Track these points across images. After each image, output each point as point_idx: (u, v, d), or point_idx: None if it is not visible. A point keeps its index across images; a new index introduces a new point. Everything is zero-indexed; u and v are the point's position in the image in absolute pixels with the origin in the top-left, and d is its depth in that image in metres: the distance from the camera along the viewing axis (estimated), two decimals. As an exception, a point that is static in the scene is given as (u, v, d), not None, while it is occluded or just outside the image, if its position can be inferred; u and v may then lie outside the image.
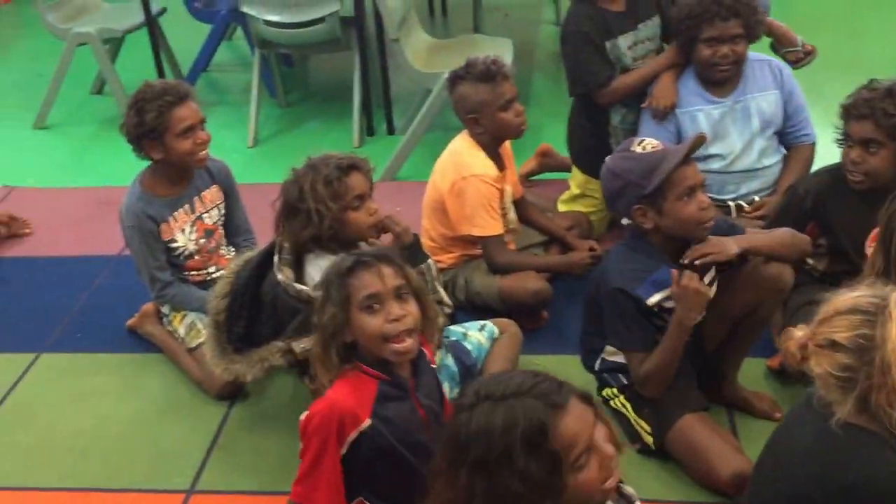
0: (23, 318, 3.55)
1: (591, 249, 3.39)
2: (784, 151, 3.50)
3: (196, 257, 3.25)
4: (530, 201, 3.57)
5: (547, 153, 4.18)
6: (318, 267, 2.63)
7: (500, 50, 4.42)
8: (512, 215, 3.37)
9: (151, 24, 4.94)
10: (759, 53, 3.49)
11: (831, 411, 1.83)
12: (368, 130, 4.88)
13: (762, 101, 3.41)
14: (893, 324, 1.76)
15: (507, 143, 3.37)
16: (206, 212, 3.27)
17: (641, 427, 2.69)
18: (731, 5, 3.25)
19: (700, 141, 2.59)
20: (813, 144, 3.47)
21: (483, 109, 3.18)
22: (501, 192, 3.26)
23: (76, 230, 4.14)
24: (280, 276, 2.64)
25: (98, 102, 5.47)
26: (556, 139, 3.90)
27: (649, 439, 2.67)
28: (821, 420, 1.85)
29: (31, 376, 3.24)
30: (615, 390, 2.74)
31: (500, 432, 1.56)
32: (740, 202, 3.42)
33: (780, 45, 3.61)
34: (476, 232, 3.22)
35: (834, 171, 2.95)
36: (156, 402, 3.09)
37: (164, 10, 5.23)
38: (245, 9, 4.64)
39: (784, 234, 2.69)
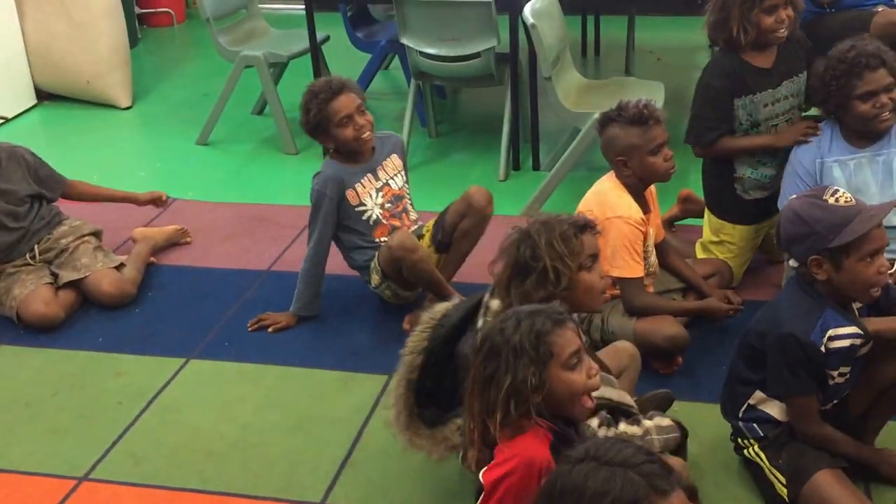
0: (176, 324, 3.74)
1: (728, 300, 3.36)
2: None
3: (383, 223, 3.55)
4: (672, 246, 3.56)
5: (689, 199, 4.15)
6: None
7: (652, 93, 4.42)
8: (653, 259, 3.36)
9: (315, 50, 5.14)
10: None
11: None
12: (514, 165, 4.94)
13: None
14: None
15: (653, 187, 3.38)
16: (391, 178, 3.62)
17: (776, 477, 2.65)
18: (875, 54, 3.18)
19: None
20: None
21: (632, 152, 3.19)
22: (645, 234, 3.26)
23: (230, 244, 4.34)
24: None
25: (258, 122, 5.72)
26: (701, 185, 3.87)
27: (783, 491, 2.63)
28: None
29: (180, 380, 3.41)
30: (751, 440, 2.72)
31: (590, 494, 1.54)
32: None
33: None
34: (616, 273, 3.21)
35: None
36: (294, 414, 3.19)
37: (327, 38, 5.44)
38: (405, 41, 4.79)
39: None
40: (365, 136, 3.51)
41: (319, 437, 3.08)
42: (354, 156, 3.56)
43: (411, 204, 3.73)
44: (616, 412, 2.64)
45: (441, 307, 2.72)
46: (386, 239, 3.53)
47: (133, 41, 6.74)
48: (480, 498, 2.02)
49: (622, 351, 2.95)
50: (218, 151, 5.40)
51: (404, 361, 2.63)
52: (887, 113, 3.22)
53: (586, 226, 2.54)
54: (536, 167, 4.94)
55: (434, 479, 2.85)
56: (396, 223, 3.60)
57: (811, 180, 3.34)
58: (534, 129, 4.90)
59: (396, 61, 5.94)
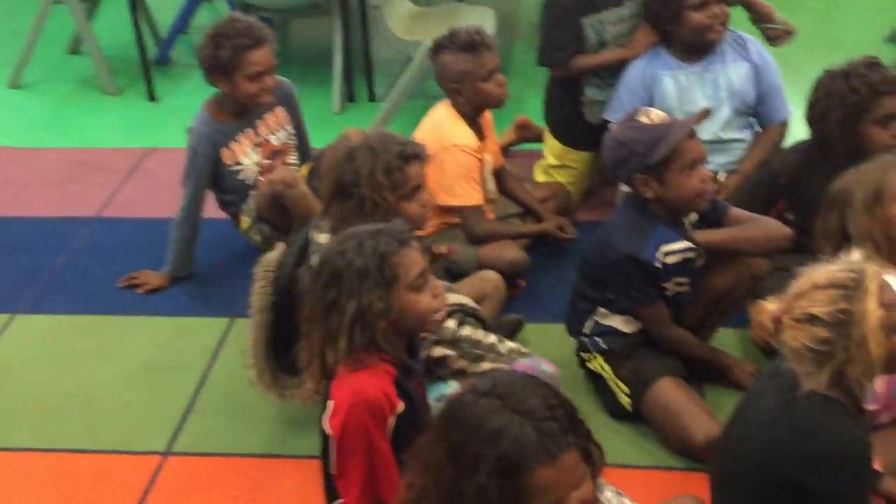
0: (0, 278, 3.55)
1: (562, 229, 3.44)
2: (757, 129, 3.50)
3: (261, 180, 3.31)
4: (509, 171, 3.59)
5: (525, 125, 4.19)
6: None
7: (482, 19, 4.41)
8: (491, 185, 3.38)
9: (131, -17, 4.89)
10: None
11: (797, 382, 1.89)
12: (349, 97, 4.87)
13: (732, 72, 3.40)
14: (871, 298, 1.81)
15: (488, 113, 3.38)
16: (273, 133, 3.38)
17: (620, 388, 2.76)
18: None
19: (705, 114, 2.65)
20: (784, 123, 3.46)
21: (465, 79, 3.19)
22: (481, 161, 3.27)
23: (53, 191, 4.12)
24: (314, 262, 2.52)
25: (75, 62, 5.41)
26: (536, 109, 3.92)
27: (626, 401, 2.74)
28: (787, 391, 1.91)
29: (8, 337, 3.24)
30: (595, 353, 2.81)
31: (484, 435, 1.52)
32: None
33: (760, 20, 3.62)
34: (455, 202, 3.23)
35: (809, 149, 3.00)
36: (133, 364, 3.10)
37: (143, -30, 5.18)
38: (226, -29, 4.61)
39: (751, 229, 2.71)
40: (264, 100, 3.28)
41: (161, 385, 3.01)
42: (237, 109, 3.31)
43: (296, 157, 3.48)
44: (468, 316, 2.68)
45: (271, 257, 2.68)
46: None
47: (-70, -22, 6.25)
48: (333, 448, 1.96)
49: (487, 280, 2.99)
50: (33, 94, 5.10)
51: (254, 322, 2.61)
52: (719, 25, 3.32)
53: (415, 156, 2.51)
54: (372, 98, 4.89)
55: (280, 422, 2.84)
56: None
57: (644, 93, 3.41)
58: (367, 59, 4.83)
59: (220, -7, 5.73)
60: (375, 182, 2.44)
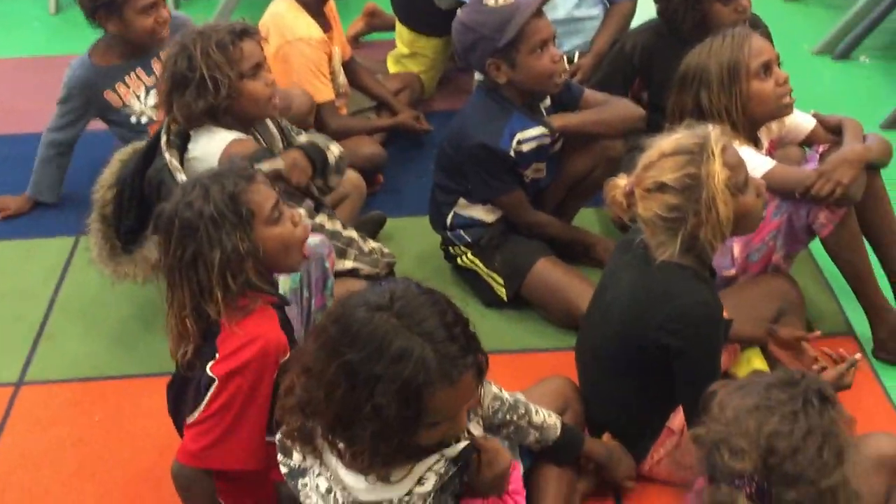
0: None
1: (417, 120, 3.42)
2: (606, 6, 3.47)
3: (156, 122, 3.05)
4: (360, 63, 3.50)
5: (374, 13, 4.10)
6: (204, 143, 2.42)
7: None
8: (342, 79, 3.30)
9: None
10: None
11: (650, 255, 1.97)
12: (185, -7, 4.66)
13: None
14: (716, 160, 1.88)
15: (332, 3, 3.27)
16: None
17: (494, 280, 2.77)
18: None
19: None
20: (633, 0, 3.46)
21: (303, -33, 3.07)
22: (330, 55, 3.18)
23: None
24: (167, 157, 2.43)
25: None
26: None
27: (502, 291, 2.77)
28: (641, 264, 2.00)
29: None
30: (462, 247, 2.81)
31: (386, 359, 1.50)
32: None
33: None
34: (305, 99, 3.13)
35: (658, 27, 3.01)
36: (-27, 294, 2.95)
37: None
38: None
39: (606, 112, 2.74)
40: (164, 32, 2.98)
41: (6, 313, 2.88)
42: (127, 50, 3.04)
43: None
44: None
45: (136, 144, 2.65)
46: None
47: None
48: (211, 391, 1.89)
49: (346, 180, 2.91)
50: None
51: (96, 198, 2.59)
52: None
53: (245, 31, 2.44)
54: (210, -6, 4.67)
55: (139, 340, 2.76)
56: None
57: None
58: (201, -49, 4.60)
59: None
60: (210, 60, 2.35)
